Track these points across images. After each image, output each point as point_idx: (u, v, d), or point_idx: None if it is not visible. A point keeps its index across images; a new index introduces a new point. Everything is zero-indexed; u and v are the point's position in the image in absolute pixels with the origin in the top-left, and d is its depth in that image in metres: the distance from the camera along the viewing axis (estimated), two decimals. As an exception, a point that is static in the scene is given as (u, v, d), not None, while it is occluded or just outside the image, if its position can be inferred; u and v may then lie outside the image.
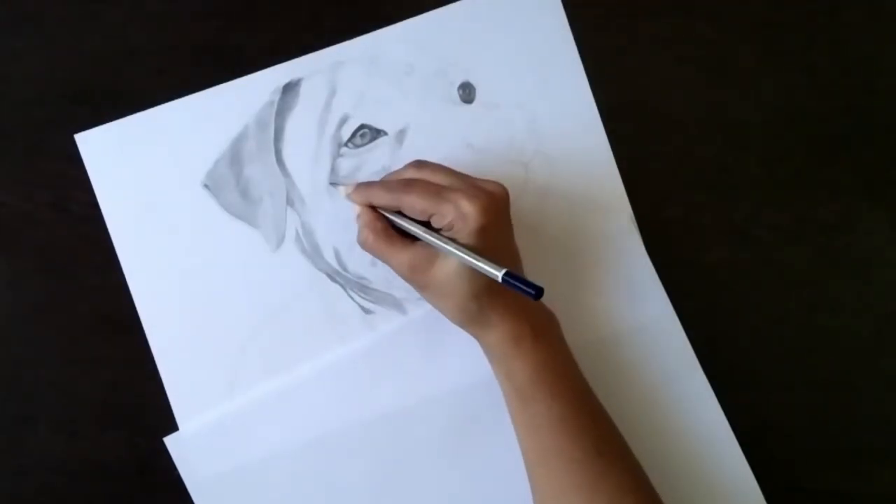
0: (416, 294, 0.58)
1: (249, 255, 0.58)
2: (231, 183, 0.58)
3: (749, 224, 0.62)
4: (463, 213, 0.50)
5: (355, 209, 0.55)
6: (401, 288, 0.59)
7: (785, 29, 0.62)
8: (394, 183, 0.54)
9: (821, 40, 0.62)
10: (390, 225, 0.54)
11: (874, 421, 0.61)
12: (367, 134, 0.59)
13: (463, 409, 0.58)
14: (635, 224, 0.61)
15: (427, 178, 0.53)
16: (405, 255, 0.52)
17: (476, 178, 0.53)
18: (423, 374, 0.58)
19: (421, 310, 0.59)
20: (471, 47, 0.60)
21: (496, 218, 0.52)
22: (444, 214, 0.51)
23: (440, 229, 0.52)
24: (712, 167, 0.62)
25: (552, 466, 0.52)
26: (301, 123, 0.59)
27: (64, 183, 0.58)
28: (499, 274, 0.47)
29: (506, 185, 0.58)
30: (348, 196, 0.56)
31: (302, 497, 0.57)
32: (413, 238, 0.53)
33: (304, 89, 0.59)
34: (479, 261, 0.49)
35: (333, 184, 0.58)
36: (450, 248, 0.50)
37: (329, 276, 0.59)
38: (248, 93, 0.58)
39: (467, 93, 0.60)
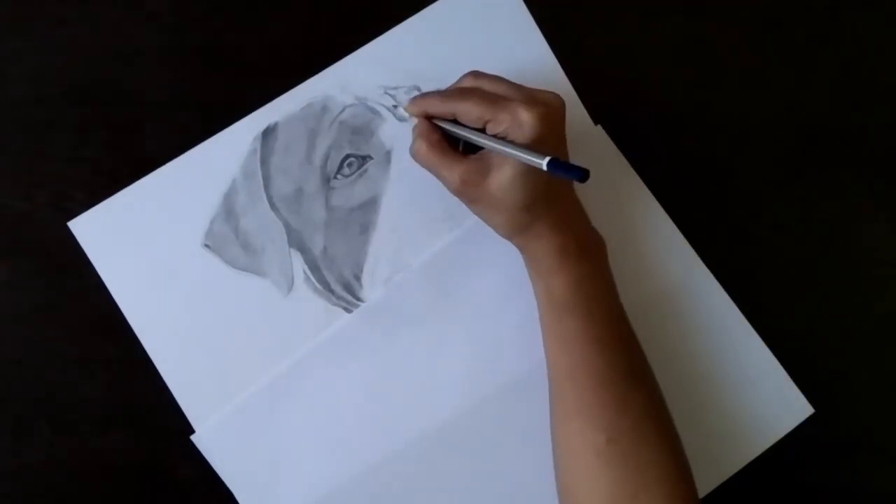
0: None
1: (263, 305, 0.58)
2: (231, 238, 0.58)
3: (749, 223, 0.62)
4: (519, 121, 0.50)
5: (412, 122, 0.55)
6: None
7: (785, 26, 0.62)
8: (451, 91, 0.54)
9: (822, 38, 0.62)
10: (445, 138, 0.54)
11: (874, 419, 0.61)
12: (354, 163, 0.59)
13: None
14: (647, 190, 0.61)
15: (483, 87, 0.53)
16: (458, 166, 0.52)
17: (532, 89, 0.53)
18: (437, 321, 0.59)
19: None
20: (440, 57, 0.60)
21: (551, 128, 0.51)
22: (500, 121, 0.50)
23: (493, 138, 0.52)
24: (713, 166, 0.62)
25: (580, 382, 0.52)
26: (287, 165, 0.59)
27: (63, 183, 0.58)
28: (543, 161, 0.47)
29: None
30: (403, 108, 0.56)
31: (332, 468, 0.57)
32: (465, 154, 0.53)
33: (282, 132, 0.59)
34: (524, 152, 0.48)
35: (395, 104, 0.59)
36: (499, 145, 0.50)
37: (345, 309, 0.59)
38: (230, 146, 0.58)
39: (444, 102, 0.59)
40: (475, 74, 0.54)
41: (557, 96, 0.53)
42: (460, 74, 0.59)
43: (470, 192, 0.52)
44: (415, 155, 0.54)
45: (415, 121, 0.55)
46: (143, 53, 0.60)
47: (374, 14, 0.60)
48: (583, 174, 0.45)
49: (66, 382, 0.58)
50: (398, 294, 0.58)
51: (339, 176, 0.59)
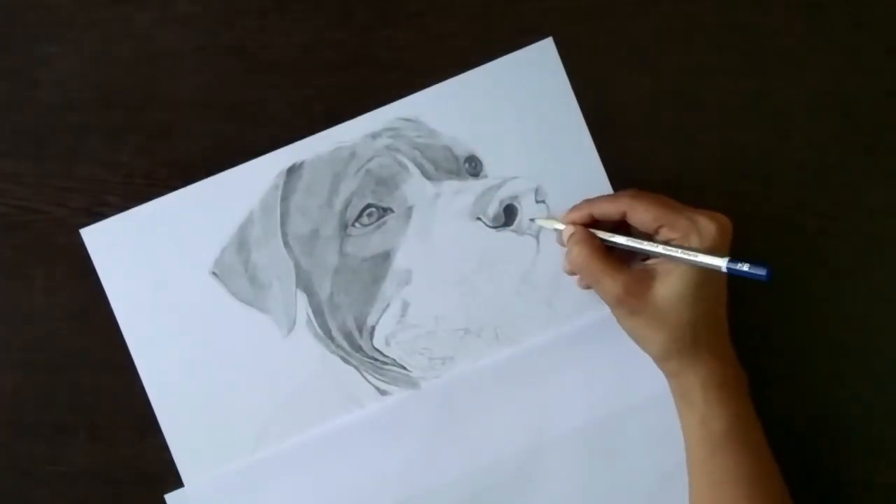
0: (432, 372, 0.58)
1: (261, 342, 0.57)
2: (239, 270, 0.58)
3: (794, 212, 0.60)
4: (699, 229, 0.49)
5: (566, 232, 0.54)
6: (416, 367, 0.58)
7: (828, 10, 0.61)
8: (618, 193, 0.53)
9: (865, 20, 0.61)
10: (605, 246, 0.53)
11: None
12: (374, 213, 0.58)
13: (472, 487, 0.58)
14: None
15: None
16: (621, 275, 0.50)
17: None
18: (432, 447, 0.58)
19: (438, 389, 0.58)
20: (475, 120, 0.59)
21: (725, 246, 0.50)
22: (678, 226, 0.50)
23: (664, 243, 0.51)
24: (755, 155, 0.60)
25: None
26: (307, 206, 0.58)
27: (97, 187, 0.59)
28: (722, 262, 0.47)
29: (518, 256, 0.58)
30: (559, 220, 0.55)
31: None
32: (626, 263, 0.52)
33: (307, 171, 0.58)
34: (700, 255, 0.48)
35: (532, 220, 0.58)
36: (673, 251, 0.49)
37: (342, 358, 0.58)
38: (252, 178, 0.58)
39: (474, 166, 0.59)
40: (636, 190, 0.53)
41: (727, 218, 0.51)
42: (490, 140, 0.59)
43: (632, 304, 0.50)
44: (574, 261, 0.52)
45: (557, 230, 0.55)
46: (174, 55, 0.60)
47: (404, 8, 0.60)
48: (768, 271, 0.45)
49: (103, 388, 0.58)
50: (430, 398, 0.58)
51: (357, 224, 0.58)
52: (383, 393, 0.58)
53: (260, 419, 0.57)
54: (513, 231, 0.58)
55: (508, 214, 0.58)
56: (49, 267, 0.58)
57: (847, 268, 0.60)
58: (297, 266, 0.58)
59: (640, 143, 0.60)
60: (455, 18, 0.60)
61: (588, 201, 0.54)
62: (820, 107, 0.61)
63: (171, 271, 0.57)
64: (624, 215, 0.52)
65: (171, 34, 0.60)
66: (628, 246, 0.52)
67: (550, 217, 0.57)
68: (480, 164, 0.59)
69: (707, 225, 0.49)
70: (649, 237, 0.52)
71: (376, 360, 0.58)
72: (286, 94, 0.60)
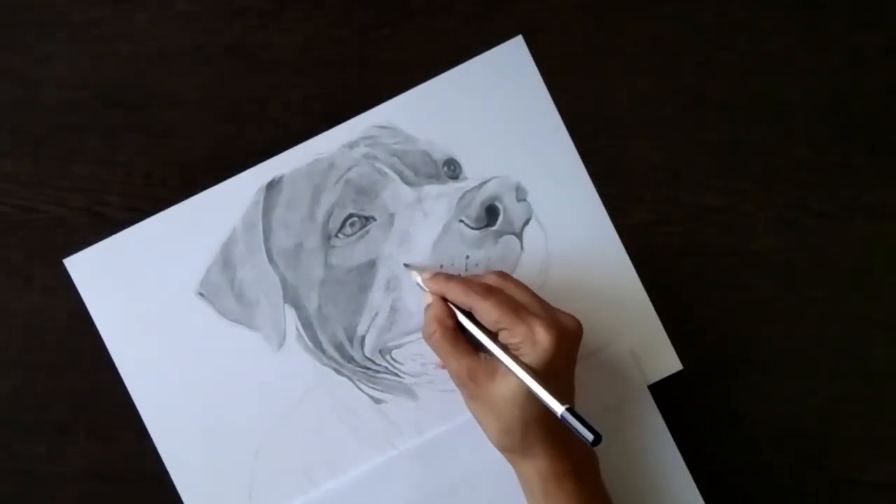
0: (425, 378, 0.57)
1: (253, 359, 0.58)
2: (226, 288, 0.58)
3: (795, 211, 0.59)
4: (535, 339, 0.49)
5: (426, 298, 0.54)
6: (409, 374, 0.58)
7: (826, 9, 0.59)
8: (474, 284, 0.52)
9: (863, 19, 0.59)
10: (458, 325, 0.53)
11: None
12: (357, 222, 0.57)
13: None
14: (641, 284, 0.58)
15: (507, 291, 0.52)
16: (467, 360, 0.51)
17: (554, 308, 0.52)
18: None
19: (432, 394, 0.58)
20: (451, 123, 0.58)
21: (564, 353, 0.50)
22: (516, 333, 0.49)
23: (504, 346, 0.51)
24: (756, 154, 0.59)
25: None
26: (289, 220, 0.57)
27: (97, 187, 0.59)
28: (559, 409, 0.47)
29: (503, 255, 0.57)
30: (422, 282, 0.55)
31: None
32: (476, 347, 0.52)
33: (287, 185, 0.57)
34: (541, 391, 0.48)
35: (407, 265, 0.57)
36: (516, 368, 0.49)
37: (335, 369, 0.58)
38: (232, 196, 0.57)
39: (452, 169, 0.58)
40: (501, 276, 0.53)
41: (577, 322, 0.51)
42: (468, 142, 0.57)
43: (472, 389, 0.51)
44: (427, 337, 0.53)
45: (428, 297, 0.54)
46: (174, 54, 0.59)
47: (405, 6, 0.59)
48: (595, 438, 0.45)
49: (103, 388, 0.58)
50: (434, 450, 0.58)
51: (340, 235, 0.58)
52: (378, 402, 0.58)
53: (257, 435, 0.58)
54: (496, 231, 0.57)
55: (490, 215, 0.57)
56: (49, 267, 0.59)
57: (847, 268, 0.59)
58: (284, 281, 0.58)
59: (641, 144, 0.59)
60: (456, 17, 0.59)
61: (447, 279, 0.53)
62: (820, 107, 0.59)
63: (157, 295, 0.57)
64: (472, 309, 0.51)
65: (171, 34, 0.59)
66: (478, 341, 0.51)
67: (418, 270, 0.56)
68: (459, 166, 0.58)
69: (543, 338, 0.49)
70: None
71: (369, 368, 0.58)
72: (286, 94, 0.59)
